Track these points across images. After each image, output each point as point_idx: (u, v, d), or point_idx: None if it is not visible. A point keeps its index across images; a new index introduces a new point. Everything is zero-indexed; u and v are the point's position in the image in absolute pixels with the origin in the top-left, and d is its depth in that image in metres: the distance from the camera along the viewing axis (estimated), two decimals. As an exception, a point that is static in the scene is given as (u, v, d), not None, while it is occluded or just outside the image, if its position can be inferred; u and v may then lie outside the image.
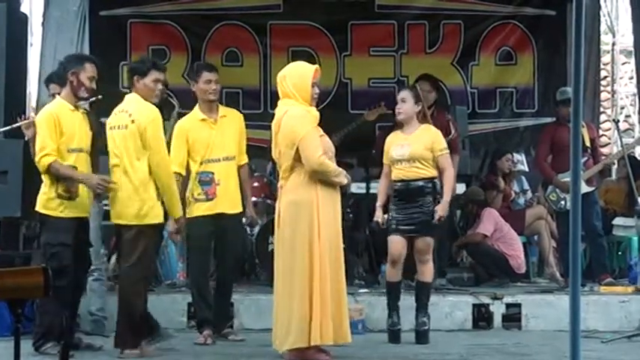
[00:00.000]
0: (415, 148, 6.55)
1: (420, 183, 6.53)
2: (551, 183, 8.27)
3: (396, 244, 6.55)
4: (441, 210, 6.51)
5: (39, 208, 5.95)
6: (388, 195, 6.70)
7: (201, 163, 6.56)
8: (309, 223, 5.58)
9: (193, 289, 6.79)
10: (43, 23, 9.69)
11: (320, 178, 5.64)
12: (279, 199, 5.79)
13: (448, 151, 6.70)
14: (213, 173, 6.56)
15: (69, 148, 5.90)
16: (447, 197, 6.56)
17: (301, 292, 5.54)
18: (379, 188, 6.78)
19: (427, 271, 6.58)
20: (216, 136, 6.58)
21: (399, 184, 6.59)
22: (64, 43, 9.24)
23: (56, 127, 5.84)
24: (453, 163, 8.12)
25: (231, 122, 6.70)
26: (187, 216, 6.54)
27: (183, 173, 6.55)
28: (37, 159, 5.87)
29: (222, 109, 6.74)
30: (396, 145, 6.63)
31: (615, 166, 9.95)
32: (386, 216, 6.62)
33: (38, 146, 5.88)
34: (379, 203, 6.70)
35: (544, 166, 8.42)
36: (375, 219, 6.71)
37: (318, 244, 5.56)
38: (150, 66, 6.06)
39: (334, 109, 9.15)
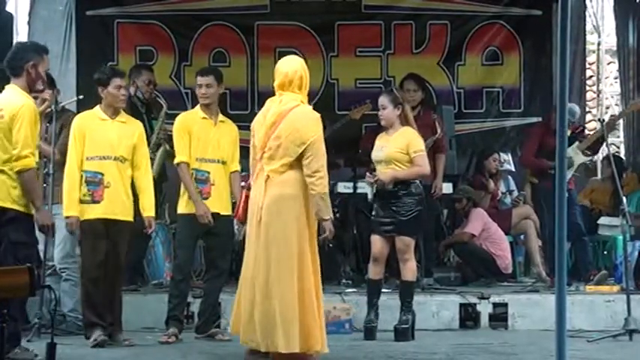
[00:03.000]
0: (390, 150, 6.67)
1: (397, 186, 6.62)
2: (551, 170, 8.19)
3: (377, 242, 6.70)
4: (383, 175, 6.61)
5: (9, 204, 5.48)
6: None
7: (195, 160, 6.61)
8: (298, 218, 5.42)
9: (171, 284, 6.84)
10: (29, 22, 9.66)
11: (309, 184, 5.42)
12: (265, 190, 5.47)
13: (424, 153, 6.74)
14: (208, 173, 6.61)
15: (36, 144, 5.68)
16: (399, 173, 6.62)
17: (291, 293, 5.35)
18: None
19: (408, 271, 6.67)
20: (214, 137, 6.64)
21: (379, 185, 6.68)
22: (50, 42, 9.12)
23: (37, 123, 5.57)
24: (439, 163, 8.21)
25: (228, 130, 6.76)
26: (179, 211, 6.69)
27: (192, 164, 6.59)
28: (20, 152, 5.43)
29: (221, 116, 6.81)
30: (377, 147, 6.78)
31: (600, 166, 10.01)
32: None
33: (22, 141, 5.41)
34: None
35: (535, 162, 8.38)
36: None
37: (307, 242, 5.42)
38: (110, 75, 6.43)
39: (321, 109, 9.04)
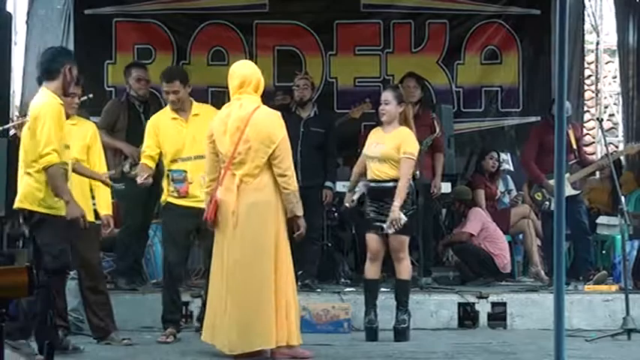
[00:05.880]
0: (386, 148, 6.59)
1: (390, 184, 6.52)
2: (541, 185, 8.22)
3: (373, 241, 6.63)
4: (392, 215, 6.40)
5: (35, 207, 5.57)
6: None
7: (171, 161, 6.50)
8: (274, 222, 5.61)
9: (163, 290, 6.69)
10: (27, 21, 9.66)
11: (281, 183, 5.62)
12: (238, 195, 5.63)
13: (411, 156, 6.54)
14: (185, 172, 6.46)
15: (65, 144, 5.69)
16: (396, 202, 6.43)
17: (268, 294, 5.55)
18: (353, 174, 6.85)
19: (403, 269, 6.63)
20: (187, 135, 6.48)
21: (372, 183, 6.65)
22: (48, 41, 9.20)
23: (60, 121, 5.57)
24: (437, 162, 8.20)
25: (204, 119, 6.41)
26: (163, 200, 6.62)
27: (151, 165, 6.50)
28: (42, 150, 5.46)
29: (196, 107, 6.60)
30: (372, 143, 6.68)
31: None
32: (354, 197, 6.69)
33: (44, 139, 5.44)
34: (349, 188, 6.81)
35: (533, 168, 8.34)
36: (344, 203, 6.84)
37: (283, 246, 5.62)
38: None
39: (320, 108, 9.14)
